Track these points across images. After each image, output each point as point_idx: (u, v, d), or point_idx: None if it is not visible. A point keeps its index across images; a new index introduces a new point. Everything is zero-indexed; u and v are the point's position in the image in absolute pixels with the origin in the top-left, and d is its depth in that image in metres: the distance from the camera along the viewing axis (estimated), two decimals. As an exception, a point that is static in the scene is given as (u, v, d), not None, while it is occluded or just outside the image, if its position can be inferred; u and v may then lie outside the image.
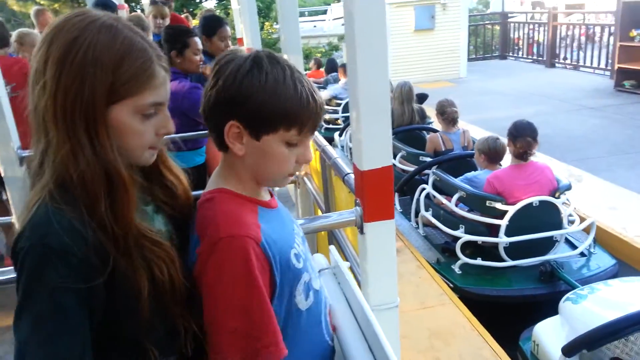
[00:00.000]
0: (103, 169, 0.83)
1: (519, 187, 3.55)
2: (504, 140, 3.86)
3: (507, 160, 3.83)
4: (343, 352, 1.05)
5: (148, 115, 0.89)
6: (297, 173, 0.99)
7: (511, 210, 3.45)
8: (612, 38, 9.95)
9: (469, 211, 3.79)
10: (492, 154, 3.91)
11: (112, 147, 0.85)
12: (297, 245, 1.02)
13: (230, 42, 3.44)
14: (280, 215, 1.04)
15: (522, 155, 3.61)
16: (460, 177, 4.04)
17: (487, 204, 3.54)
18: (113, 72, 0.83)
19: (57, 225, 0.79)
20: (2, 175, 2.62)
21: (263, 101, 0.90)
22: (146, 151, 0.93)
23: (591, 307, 2.58)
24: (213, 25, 3.39)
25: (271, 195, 1.07)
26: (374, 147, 1.40)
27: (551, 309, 2.89)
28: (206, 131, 3.06)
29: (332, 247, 1.32)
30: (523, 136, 3.60)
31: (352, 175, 1.70)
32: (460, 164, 4.46)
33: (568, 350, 2.40)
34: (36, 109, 0.85)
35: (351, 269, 1.54)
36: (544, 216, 3.53)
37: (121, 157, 0.86)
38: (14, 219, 2.51)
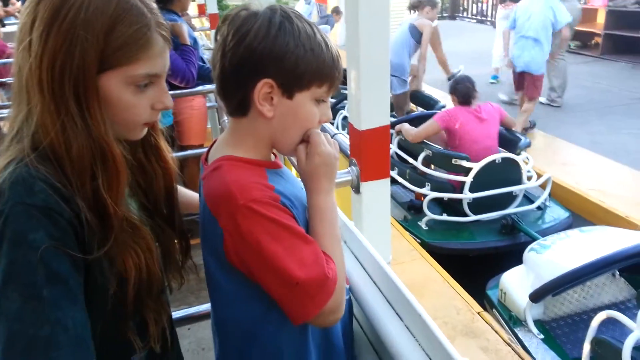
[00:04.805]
0: (94, 143, 0.77)
1: (472, 122, 3.78)
2: None
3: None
4: (361, 308, 1.08)
5: (142, 87, 0.82)
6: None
7: (475, 167, 3.57)
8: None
9: (434, 169, 3.90)
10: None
11: (103, 120, 0.78)
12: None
13: None
14: (287, 174, 1.01)
15: (466, 100, 3.83)
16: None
17: (453, 162, 3.66)
18: (104, 38, 0.76)
19: (41, 183, 0.72)
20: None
21: (300, 56, 0.85)
22: (140, 127, 0.87)
23: (554, 256, 2.74)
24: None
25: (275, 155, 1.03)
26: (374, 106, 1.39)
27: (513, 259, 3.06)
28: (174, 91, 2.95)
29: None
30: (462, 83, 3.85)
31: (340, 136, 1.70)
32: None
33: (535, 296, 2.57)
34: (19, 72, 0.77)
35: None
36: (505, 172, 3.69)
37: (112, 130, 0.80)
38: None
